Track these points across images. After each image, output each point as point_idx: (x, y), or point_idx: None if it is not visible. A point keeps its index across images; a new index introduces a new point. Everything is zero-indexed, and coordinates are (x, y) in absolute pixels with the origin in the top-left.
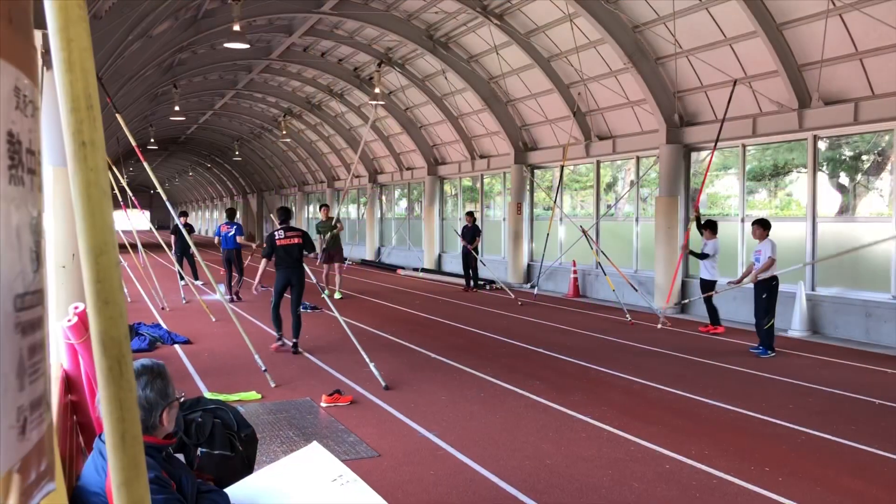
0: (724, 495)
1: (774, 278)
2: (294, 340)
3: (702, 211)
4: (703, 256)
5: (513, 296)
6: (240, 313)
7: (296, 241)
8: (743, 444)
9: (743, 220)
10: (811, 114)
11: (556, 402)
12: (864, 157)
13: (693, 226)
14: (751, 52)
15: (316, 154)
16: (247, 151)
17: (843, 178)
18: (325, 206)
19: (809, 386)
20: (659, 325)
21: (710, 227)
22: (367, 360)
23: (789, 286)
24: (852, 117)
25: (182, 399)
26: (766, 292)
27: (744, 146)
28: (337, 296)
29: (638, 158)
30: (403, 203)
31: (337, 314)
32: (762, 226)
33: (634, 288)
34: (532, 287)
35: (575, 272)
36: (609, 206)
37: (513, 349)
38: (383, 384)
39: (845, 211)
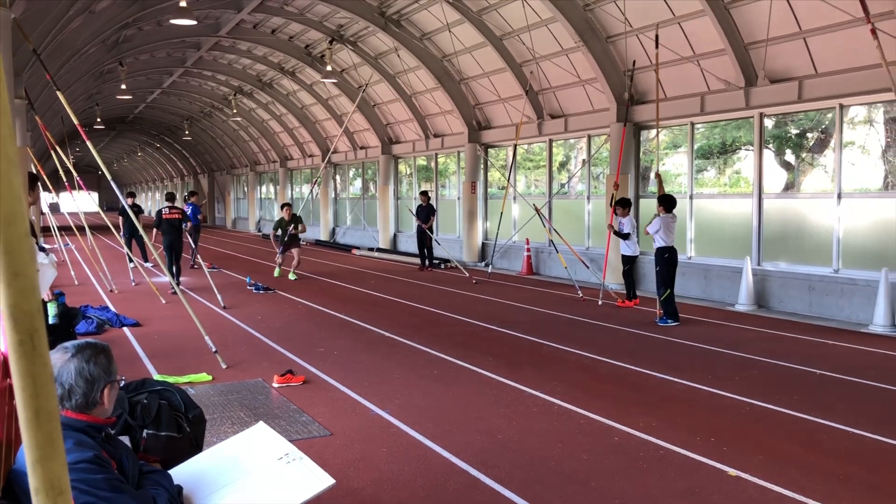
0: (671, 465)
1: (666, 251)
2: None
3: (652, 189)
4: (625, 236)
5: (467, 274)
6: (190, 295)
7: (177, 215)
8: (689, 416)
9: (692, 198)
10: (757, 92)
11: (508, 378)
12: (809, 135)
13: (610, 203)
14: (699, 30)
15: (268, 133)
16: (197, 131)
17: (789, 156)
18: (287, 206)
19: (754, 358)
20: (600, 302)
21: (621, 205)
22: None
23: (736, 262)
24: (796, 95)
25: (123, 382)
26: (658, 265)
27: (692, 124)
28: (291, 276)
29: (589, 137)
30: (358, 183)
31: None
32: (660, 202)
33: (586, 265)
34: (486, 265)
35: (528, 250)
36: (562, 185)
37: (467, 327)
38: (223, 304)
39: (791, 187)
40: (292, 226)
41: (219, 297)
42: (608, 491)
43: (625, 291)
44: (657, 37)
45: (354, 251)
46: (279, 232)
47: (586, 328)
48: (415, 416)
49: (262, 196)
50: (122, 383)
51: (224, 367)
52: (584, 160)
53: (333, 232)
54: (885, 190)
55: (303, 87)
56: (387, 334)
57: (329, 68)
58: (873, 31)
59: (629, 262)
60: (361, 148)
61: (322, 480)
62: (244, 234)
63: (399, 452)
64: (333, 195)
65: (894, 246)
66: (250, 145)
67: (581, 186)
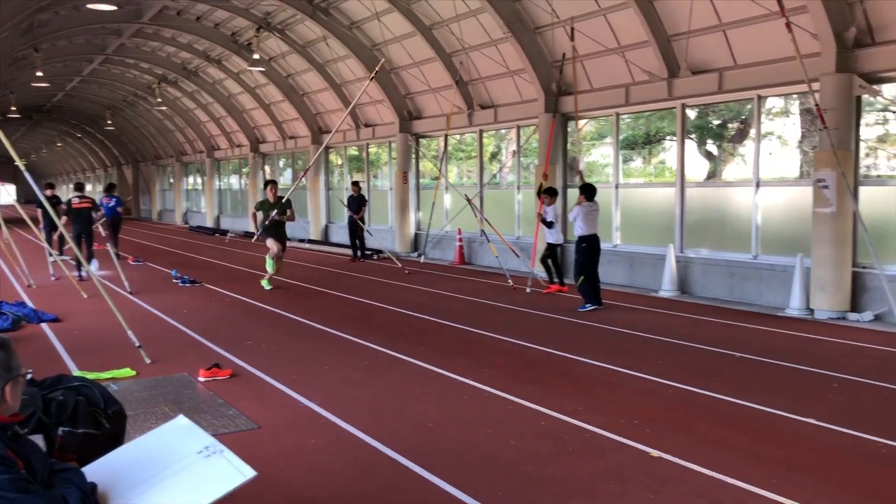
0: (596, 448)
1: (584, 240)
2: (87, 269)
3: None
4: (549, 224)
5: (400, 265)
6: (112, 289)
7: (86, 205)
8: (615, 400)
9: (618, 187)
10: (679, 83)
11: (439, 367)
12: (730, 125)
13: (536, 193)
14: (624, 22)
15: (194, 123)
16: (120, 121)
17: (711, 146)
18: (272, 184)
19: (677, 342)
20: (528, 290)
21: (548, 194)
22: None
23: (660, 249)
24: (717, 86)
25: (30, 377)
26: (576, 253)
27: (617, 115)
28: (268, 271)
29: (518, 127)
30: (288, 173)
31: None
32: (581, 191)
33: (516, 254)
34: (419, 256)
35: (460, 240)
36: (493, 175)
37: (399, 317)
38: (129, 289)
39: (712, 176)
40: (276, 211)
41: (126, 283)
42: (535, 474)
43: (547, 277)
44: (572, 30)
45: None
46: (260, 214)
47: (516, 316)
48: (344, 407)
49: (189, 187)
50: (29, 377)
51: (148, 361)
52: (514, 151)
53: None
54: (800, 178)
55: (230, 76)
56: (317, 326)
57: (257, 56)
58: (788, 25)
59: (551, 250)
60: (291, 137)
61: (243, 473)
62: (171, 226)
63: (328, 444)
64: (263, 185)
65: (809, 232)
66: (176, 135)
67: (511, 177)
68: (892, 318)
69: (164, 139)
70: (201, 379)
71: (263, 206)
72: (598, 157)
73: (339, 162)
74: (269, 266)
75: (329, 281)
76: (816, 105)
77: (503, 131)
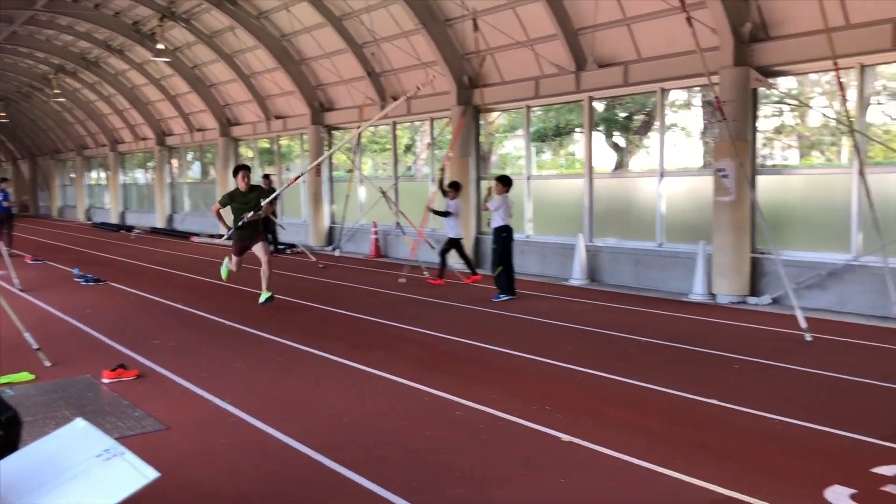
0: (509, 435)
1: (504, 230)
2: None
3: (493, 171)
4: (445, 214)
5: (314, 259)
6: (7, 289)
7: None
8: (526, 387)
9: (529, 179)
10: (587, 76)
11: (354, 361)
12: (635, 118)
13: (438, 185)
14: (532, 15)
15: (95, 115)
16: (14, 113)
17: (618, 137)
18: (244, 170)
19: (586, 329)
20: (401, 280)
21: (452, 187)
22: None
23: (571, 239)
24: (622, 79)
25: None
26: (496, 243)
27: (528, 107)
28: (264, 297)
29: (432, 120)
30: (197, 166)
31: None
32: (501, 182)
33: (431, 246)
34: (334, 249)
35: (376, 233)
36: (408, 168)
37: (313, 312)
38: (19, 286)
39: (620, 167)
40: (252, 212)
41: (15, 280)
42: (450, 464)
43: (439, 270)
44: (475, 21)
45: (193, 238)
46: (229, 209)
47: (431, 308)
48: (256, 405)
49: (92, 182)
50: None
51: (48, 364)
52: (428, 143)
53: (171, 219)
54: (702, 168)
55: (133, 67)
56: (228, 323)
57: (161, 47)
58: (689, 20)
59: (453, 243)
60: (198, 130)
61: (145, 475)
62: (73, 223)
63: (239, 443)
64: (170, 180)
65: (710, 220)
66: (76, 128)
67: (426, 169)
68: (789, 301)
69: (63, 132)
70: (105, 380)
71: (233, 198)
72: (511, 150)
73: (251, 155)
74: (224, 272)
75: (240, 276)
76: (716, 97)
77: (417, 123)
